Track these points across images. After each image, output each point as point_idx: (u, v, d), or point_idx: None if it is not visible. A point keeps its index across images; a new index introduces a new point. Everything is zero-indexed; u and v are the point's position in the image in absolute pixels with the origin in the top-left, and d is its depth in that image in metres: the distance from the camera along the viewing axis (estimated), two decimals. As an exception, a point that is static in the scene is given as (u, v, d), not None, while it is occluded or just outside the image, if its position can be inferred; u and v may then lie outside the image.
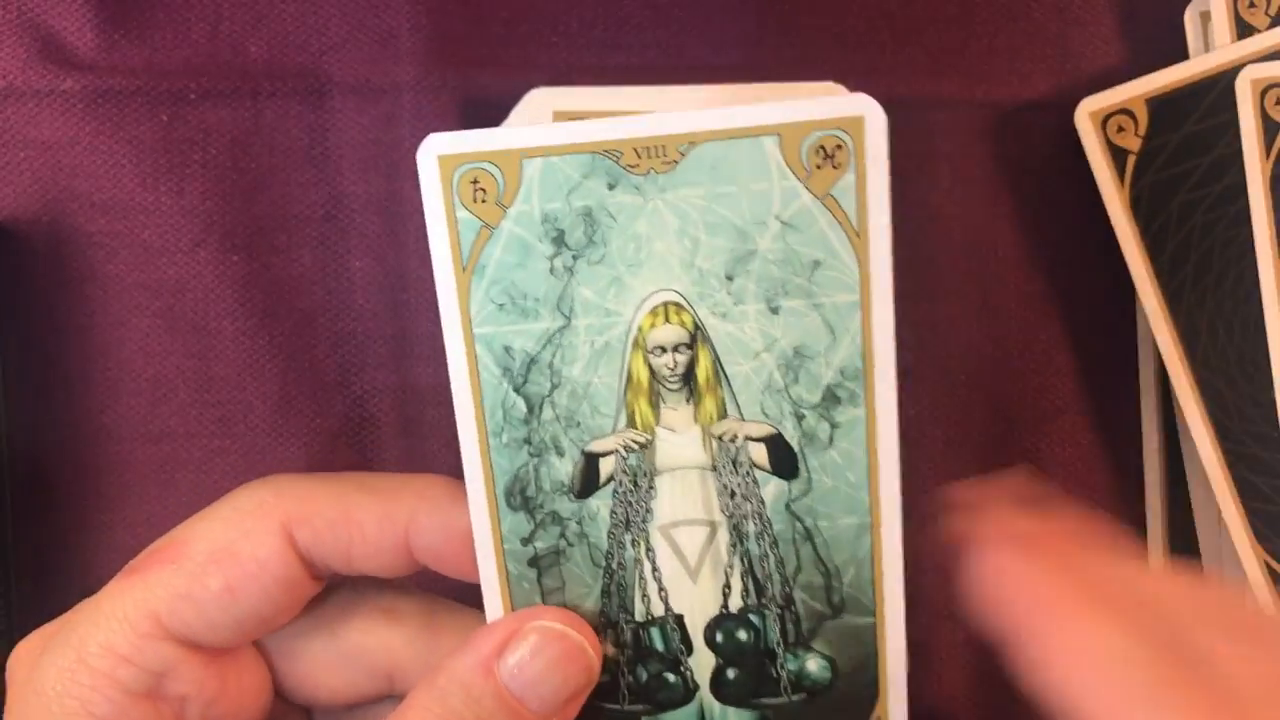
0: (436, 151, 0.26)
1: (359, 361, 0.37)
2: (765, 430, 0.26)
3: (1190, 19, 0.36)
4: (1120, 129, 0.35)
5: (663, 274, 0.26)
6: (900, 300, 0.38)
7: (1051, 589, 0.24)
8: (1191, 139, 0.35)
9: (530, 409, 0.26)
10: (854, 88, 0.36)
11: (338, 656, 0.28)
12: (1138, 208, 0.35)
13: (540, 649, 0.26)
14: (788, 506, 0.26)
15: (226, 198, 0.37)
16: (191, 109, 0.37)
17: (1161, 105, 0.35)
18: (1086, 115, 0.36)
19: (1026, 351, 0.38)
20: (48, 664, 0.26)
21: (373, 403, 0.37)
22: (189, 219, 0.37)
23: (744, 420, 0.26)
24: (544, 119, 0.35)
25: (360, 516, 0.27)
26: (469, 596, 0.28)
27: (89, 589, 0.36)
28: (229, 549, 0.26)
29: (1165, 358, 0.35)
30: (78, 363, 0.37)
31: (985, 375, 0.38)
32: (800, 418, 0.26)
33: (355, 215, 0.37)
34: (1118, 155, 0.35)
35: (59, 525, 0.37)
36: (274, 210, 0.37)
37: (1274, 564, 0.35)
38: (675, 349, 0.26)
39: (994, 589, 0.25)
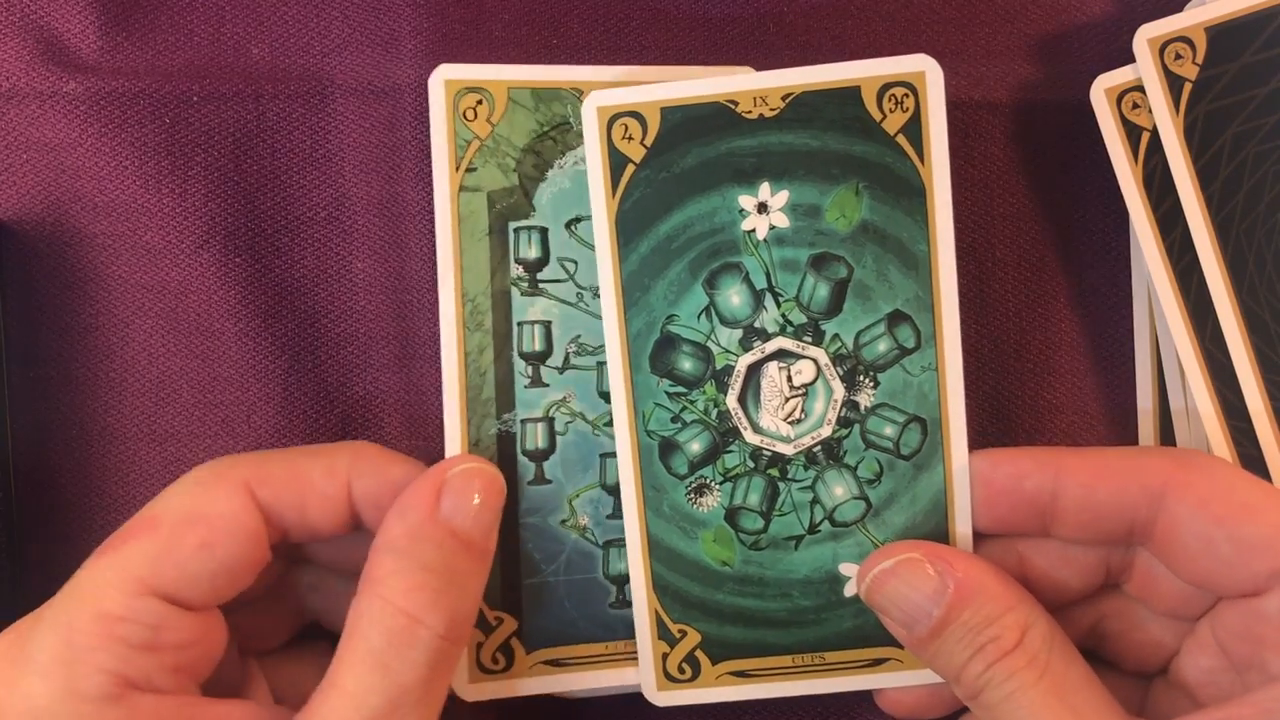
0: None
1: (361, 363, 0.37)
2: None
3: None
4: (1178, 56, 0.35)
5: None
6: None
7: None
8: (1249, 69, 0.35)
9: None
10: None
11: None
12: (1191, 136, 0.35)
13: (463, 488, 0.31)
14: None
15: (229, 199, 0.37)
16: (194, 111, 0.37)
17: (1221, 34, 0.35)
18: (1145, 43, 0.35)
19: (1025, 351, 0.38)
20: (38, 647, 0.27)
21: (375, 404, 0.37)
22: (192, 221, 0.37)
23: None
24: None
25: (308, 471, 0.31)
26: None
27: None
28: (199, 512, 0.29)
29: (1211, 286, 0.35)
30: (81, 364, 0.37)
31: (983, 375, 0.38)
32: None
33: (358, 217, 0.37)
34: (1174, 84, 0.35)
35: (63, 526, 0.37)
36: (276, 212, 0.37)
37: None
38: None
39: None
